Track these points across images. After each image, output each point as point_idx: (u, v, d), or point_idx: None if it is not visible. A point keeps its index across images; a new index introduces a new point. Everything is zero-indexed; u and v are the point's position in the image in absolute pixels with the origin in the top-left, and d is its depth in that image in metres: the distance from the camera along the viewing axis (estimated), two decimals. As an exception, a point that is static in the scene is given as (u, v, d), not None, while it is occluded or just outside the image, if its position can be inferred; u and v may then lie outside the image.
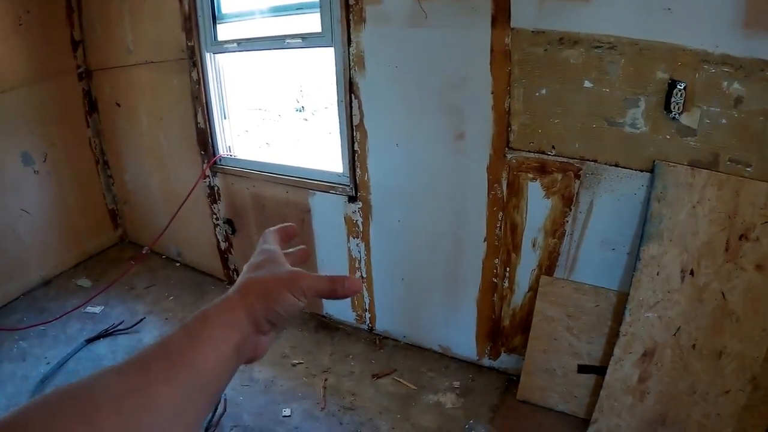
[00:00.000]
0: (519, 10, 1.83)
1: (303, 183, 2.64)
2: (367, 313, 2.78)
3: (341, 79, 2.31)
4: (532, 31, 1.84)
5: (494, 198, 2.14)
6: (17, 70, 3.04)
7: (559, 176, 1.97)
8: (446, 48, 2.02)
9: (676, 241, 1.82)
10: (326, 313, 2.94)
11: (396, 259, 2.55)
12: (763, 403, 1.83)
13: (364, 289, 2.70)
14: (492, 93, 1.98)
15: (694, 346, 1.88)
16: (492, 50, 1.92)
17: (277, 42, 2.50)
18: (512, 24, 1.86)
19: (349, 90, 2.29)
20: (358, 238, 2.59)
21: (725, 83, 1.62)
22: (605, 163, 1.88)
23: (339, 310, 2.88)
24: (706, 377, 1.88)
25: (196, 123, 2.95)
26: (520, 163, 2.03)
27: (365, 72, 2.22)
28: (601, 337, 2.09)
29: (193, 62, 2.80)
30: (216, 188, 3.06)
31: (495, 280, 2.29)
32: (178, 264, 3.61)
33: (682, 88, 1.66)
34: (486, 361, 2.50)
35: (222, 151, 2.96)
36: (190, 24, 2.72)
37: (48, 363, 2.65)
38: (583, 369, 2.16)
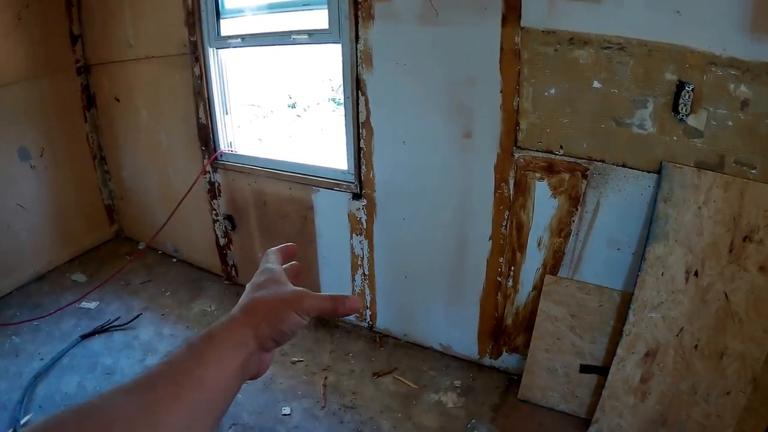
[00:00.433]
0: (529, 10, 1.84)
1: (306, 180, 2.63)
2: (367, 311, 2.77)
3: (348, 76, 2.30)
4: (543, 31, 1.85)
5: (501, 197, 2.15)
6: (15, 65, 3.00)
7: (567, 176, 1.99)
8: (455, 46, 2.03)
9: (681, 241, 1.83)
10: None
11: (399, 257, 2.55)
12: (763, 404, 1.85)
13: (366, 286, 2.69)
14: (501, 92, 1.99)
15: (696, 346, 1.89)
16: (502, 49, 1.93)
17: (283, 38, 2.49)
18: (522, 23, 1.87)
19: (356, 87, 2.29)
20: (361, 235, 2.58)
21: (732, 86, 1.65)
22: (613, 164, 1.90)
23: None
24: (708, 378, 1.89)
25: (198, 119, 2.92)
26: (528, 162, 2.04)
27: (373, 69, 2.22)
28: (604, 337, 2.10)
29: (196, 57, 2.78)
30: (216, 184, 3.03)
31: (499, 279, 2.30)
32: (174, 260, 3.57)
33: (690, 89, 1.68)
34: (487, 361, 2.51)
35: (223, 146, 2.94)
36: (193, 19, 2.70)
37: (42, 359, 2.61)
38: (585, 369, 2.17)
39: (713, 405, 1.90)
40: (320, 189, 2.60)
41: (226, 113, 2.90)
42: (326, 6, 2.26)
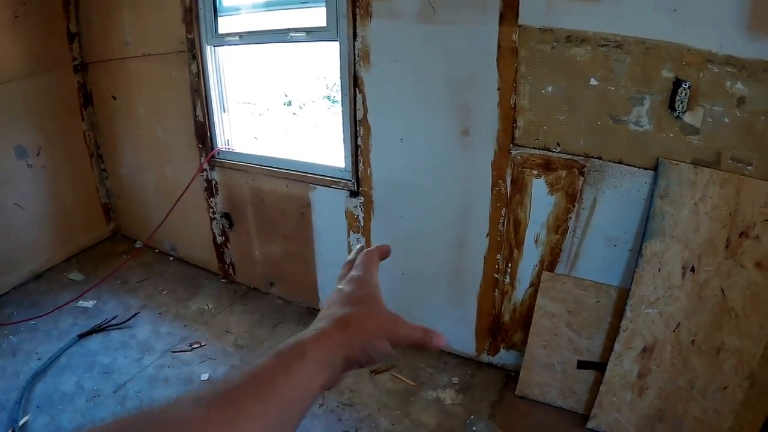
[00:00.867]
0: (527, 8, 1.84)
1: (303, 177, 2.63)
2: (365, 310, 2.76)
3: (345, 74, 2.30)
4: (540, 29, 1.86)
5: (498, 194, 2.15)
6: (12, 63, 2.98)
7: (564, 173, 1.99)
8: (453, 44, 2.03)
9: (677, 238, 1.84)
10: (323, 307, 2.92)
11: (396, 255, 2.48)
12: (760, 399, 1.86)
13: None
14: (498, 89, 1.99)
15: (693, 342, 1.91)
16: (499, 47, 1.93)
17: (281, 35, 2.49)
18: (520, 21, 1.87)
19: (353, 84, 2.29)
20: (359, 233, 2.58)
21: (729, 83, 1.65)
22: (610, 161, 1.90)
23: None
24: (705, 373, 1.91)
25: (195, 116, 2.92)
26: (525, 159, 2.05)
27: (370, 67, 2.22)
28: (601, 333, 2.11)
29: (193, 55, 2.77)
30: (214, 182, 3.03)
31: (496, 276, 2.30)
32: (171, 258, 3.57)
33: (686, 87, 1.69)
34: (485, 357, 2.51)
35: (220, 144, 2.93)
36: (190, 16, 2.69)
37: (39, 358, 2.59)
38: (582, 365, 2.18)
39: (710, 400, 1.92)
40: (317, 186, 2.60)
41: (224, 111, 2.89)
42: (324, 4, 2.26)
